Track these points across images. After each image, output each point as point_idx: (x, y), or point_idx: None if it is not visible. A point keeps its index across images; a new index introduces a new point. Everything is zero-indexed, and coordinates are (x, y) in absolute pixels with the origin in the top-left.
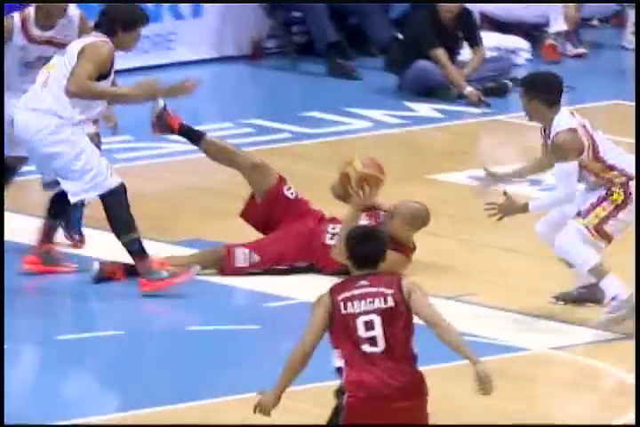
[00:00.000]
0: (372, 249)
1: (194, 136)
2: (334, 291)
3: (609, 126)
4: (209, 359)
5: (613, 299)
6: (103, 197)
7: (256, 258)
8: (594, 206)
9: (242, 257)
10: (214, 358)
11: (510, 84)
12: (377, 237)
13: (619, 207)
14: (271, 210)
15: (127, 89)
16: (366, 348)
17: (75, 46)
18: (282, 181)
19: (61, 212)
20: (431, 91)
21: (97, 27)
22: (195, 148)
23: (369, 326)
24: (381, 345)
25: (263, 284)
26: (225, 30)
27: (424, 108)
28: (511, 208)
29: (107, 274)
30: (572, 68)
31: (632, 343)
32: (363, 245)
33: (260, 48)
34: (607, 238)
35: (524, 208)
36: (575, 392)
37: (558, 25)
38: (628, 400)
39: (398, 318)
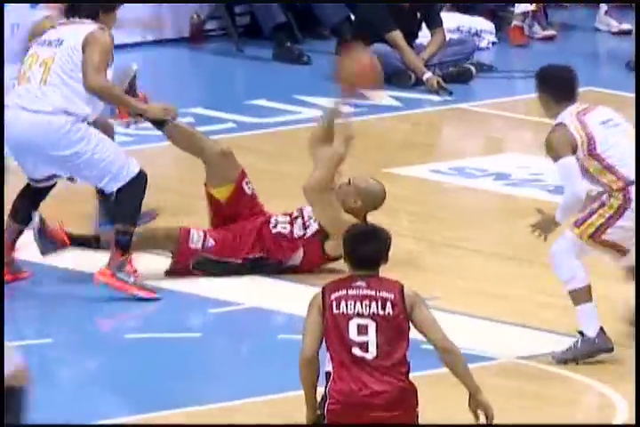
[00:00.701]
0: (373, 250)
1: (159, 118)
2: (327, 289)
3: None
4: (149, 370)
5: (581, 334)
6: (124, 186)
7: (211, 242)
8: (590, 214)
9: (196, 238)
10: (155, 368)
11: (473, 69)
12: (378, 237)
13: (616, 214)
14: (233, 204)
15: (147, 107)
16: (357, 352)
17: (71, 37)
18: (244, 174)
19: (29, 217)
20: (388, 77)
21: (75, 12)
22: (131, 138)
23: (362, 330)
24: (373, 352)
25: (206, 288)
26: (162, 11)
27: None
28: (548, 223)
29: (52, 234)
30: (541, 51)
31: (607, 354)
32: (362, 245)
33: (200, 30)
34: (613, 247)
35: (556, 221)
36: (547, 405)
37: (524, 5)
38: (602, 414)
39: (395, 327)
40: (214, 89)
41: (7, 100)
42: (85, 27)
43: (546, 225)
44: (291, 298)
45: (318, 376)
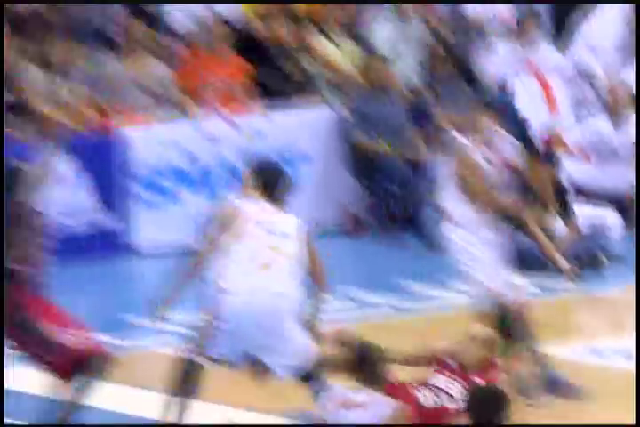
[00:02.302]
0: (496, 413)
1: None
2: None
3: None
4: None
5: None
6: None
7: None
8: None
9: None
10: None
11: (605, 259)
12: (501, 399)
13: None
14: None
15: None
16: None
17: (287, 228)
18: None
19: (194, 388)
20: (527, 264)
21: (272, 194)
22: None
23: None
24: None
25: None
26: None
27: (522, 282)
28: None
29: None
30: None
31: None
32: (486, 408)
33: (358, 222)
34: None
35: None
36: None
37: None
38: None
39: None
40: (370, 274)
41: (233, 286)
42: (287, 216)
43: None
44: None
45: None
